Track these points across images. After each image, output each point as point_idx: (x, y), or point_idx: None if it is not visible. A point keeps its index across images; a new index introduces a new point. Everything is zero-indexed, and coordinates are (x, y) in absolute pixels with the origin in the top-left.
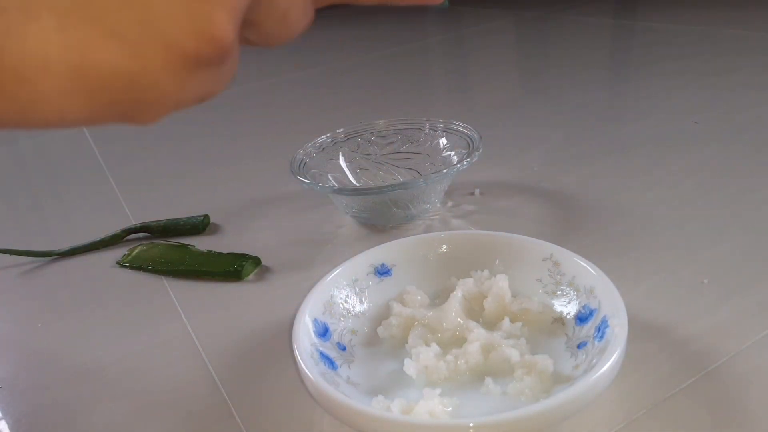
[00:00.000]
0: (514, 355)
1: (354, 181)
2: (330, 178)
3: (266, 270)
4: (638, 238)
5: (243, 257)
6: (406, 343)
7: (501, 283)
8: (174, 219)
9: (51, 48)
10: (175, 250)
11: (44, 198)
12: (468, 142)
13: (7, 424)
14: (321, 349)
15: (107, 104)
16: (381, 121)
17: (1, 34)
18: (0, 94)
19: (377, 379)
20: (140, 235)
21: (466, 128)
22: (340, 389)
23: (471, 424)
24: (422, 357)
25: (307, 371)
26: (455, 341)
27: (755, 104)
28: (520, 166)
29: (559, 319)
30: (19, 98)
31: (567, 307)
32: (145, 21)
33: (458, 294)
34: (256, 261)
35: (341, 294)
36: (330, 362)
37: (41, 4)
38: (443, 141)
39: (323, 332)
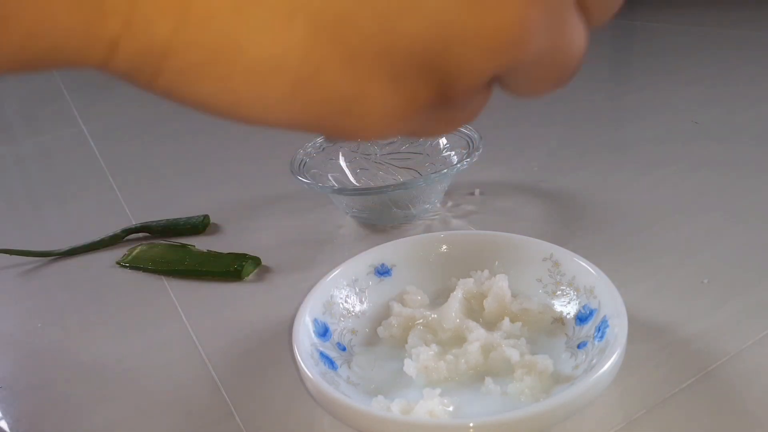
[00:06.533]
0: (514, 355)
1: (354, 181)
2: (330, 178)
3: (266, 270)
4: (638, 238)
5: (243, 257)
6: (406, 343)
7: (501, 283)
8: (174, 219)
9: (290, 55)
10: (175, 250)
11: (44, 198)
12: (468, 142)
13: (7, 424)
14: (321, 349)
15: (316, 118)
16: None
17: (256, 30)
18: (223, 83)
19: (377, 379)
20: (140, 235)
21: (466, 128)
22: (340, 389)
23: (471, 424)
24: (422, 357)
25: (307, 371)
26: (455, 341)
27: (755, 104)
28: (520, 166)
29: (559, 319)
30: (237, 92)
31: (567, 307)
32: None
33: (458, 294)
34: (256, 261)
35: (341, 294)
36: (330, 362)
37: (303, 9)
38: (443, 141)
39: (323, 332)
